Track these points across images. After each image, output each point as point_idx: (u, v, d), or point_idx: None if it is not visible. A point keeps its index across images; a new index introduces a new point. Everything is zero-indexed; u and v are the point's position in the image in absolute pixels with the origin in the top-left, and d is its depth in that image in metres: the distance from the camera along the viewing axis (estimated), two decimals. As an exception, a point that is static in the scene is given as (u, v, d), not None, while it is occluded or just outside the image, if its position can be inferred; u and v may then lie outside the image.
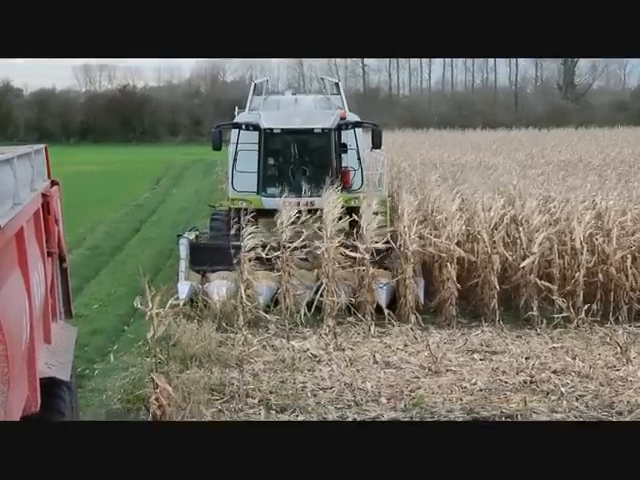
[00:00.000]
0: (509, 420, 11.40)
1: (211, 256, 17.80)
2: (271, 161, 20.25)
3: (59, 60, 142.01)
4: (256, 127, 19.54)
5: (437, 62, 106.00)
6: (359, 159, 20.37)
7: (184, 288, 16.64)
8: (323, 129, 19.41)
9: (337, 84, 22.80)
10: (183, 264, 17.53)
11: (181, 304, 14.03)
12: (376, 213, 18.40)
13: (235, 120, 20.92)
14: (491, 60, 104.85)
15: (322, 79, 26.08)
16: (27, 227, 7.28)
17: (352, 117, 20.42)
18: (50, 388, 7.42)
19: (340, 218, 18.44)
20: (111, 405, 12.11)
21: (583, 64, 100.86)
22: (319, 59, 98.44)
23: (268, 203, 19.31)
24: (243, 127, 19.88)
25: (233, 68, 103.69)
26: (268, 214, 18.81)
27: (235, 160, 20.16)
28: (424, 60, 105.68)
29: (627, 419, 11.44)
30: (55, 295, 9.68)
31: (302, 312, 16.35)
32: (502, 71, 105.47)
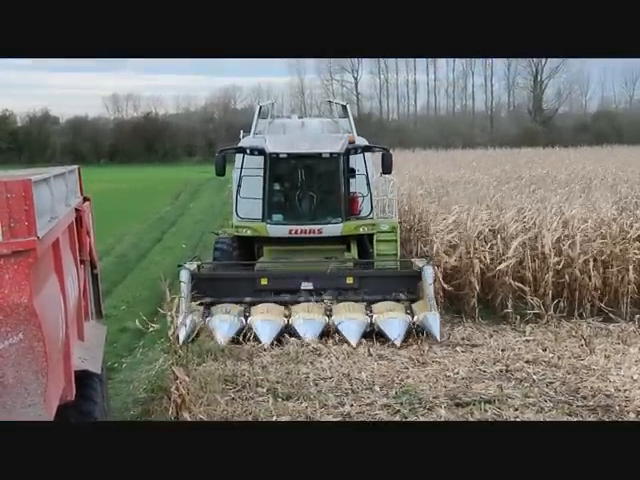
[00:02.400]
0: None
1: (214, 287, 15.22)
2: (277, 187, 17.25)
3: (90, 91, 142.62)
4: (261, 152, 16.69)
5: (422, 90, 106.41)
6: (368, 184, 17.32)
7: (185, 321, 13.31)
8: (331, 154, 16.56)
9: (345, 107, 19.67)
10: (184, 296, 14.48)
11: (180, 342, 11.83)
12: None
13: (240, 144, 17.89)
14: (469, 87, 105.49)
15: (330, 102, 22.16)
16: (62, 238, 7.28)
17: (361, 141, 17.60)
18: (83, 379, 7.42)
19: (349, 245, 17.15)
20: (137, 394, 12.11)
21: (550, 91, 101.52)
22: (319, 88, 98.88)
23: (273, 231, 16.64)
24: (248, 152, 16.95)
25: (243, 96, 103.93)
26: (273, 242, 16.99)
27: (239, 186, 17.21)
28: (410, 88, 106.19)
29: (590, 403, 11.45)
30: (87, 297, 9.69)
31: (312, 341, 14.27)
32: (479, 97, 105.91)
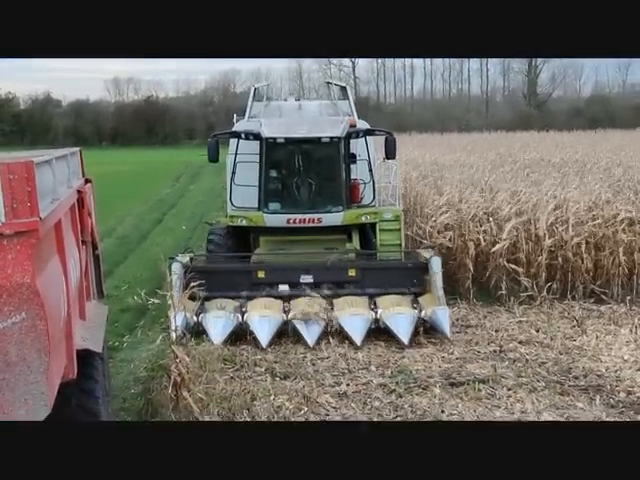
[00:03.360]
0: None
1: (207, 281, 13.22)
2: (273, 174, 15.73)
3: (92, 74, 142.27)
4: (257, 136, 15.24)
5: (418, 74, 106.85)
6: (370, 170, 15.99)
7: (177, 321, 12.02)
8: (332, 138, 15.08)
9: (344, 88, 18.10)
10: (176, 294, 12.55)
11: (173, 338, 11.22)
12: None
13: (234, 128, 16.33)
14: (465, 71, 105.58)
15: (328, 83, 19.87)
16: (64, 219, 7.27)
17: (361, 124, 16.13)
18: (85, 358, 7.43)
19: (350, 235, 15.92)
20: (138, 373, 12.13)
21: (544, 75, 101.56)
22: (317, 72, 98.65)
23: (270, 220, 15.31)
24: (242, 136, 15.48)
25: (242, 80, 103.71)
26: (270, 232, 15.66)
27: (234, 173, 15.80)
28: (407, 72, 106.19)
29: (582, 383, 11.50)
30: (89, 278, 9.69)
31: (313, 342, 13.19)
32: (474, 82, 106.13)
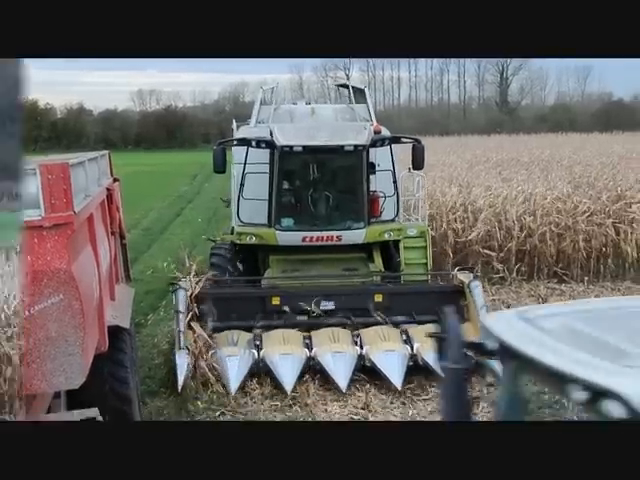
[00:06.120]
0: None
1: (216, 309, 10.76)
2: (287, 186, 12.54)
3: (119, 87, 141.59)
4: (270, 144, 11.77)
5: (404, 85, 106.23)
6: (395, 182, 12.55)
7: (182, 363, 9.81)
8: (356, 146, 11.64)
9: (362, 90, 14.43)
10: (182, 324, 10.25)
11: (179, 388, 9.64)
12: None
13: (242, 135, 12.79)
14: (445, 83, 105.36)
15: (343, 86, 15.54)
16: (95, 213, 7.31)
17: (384, 131, 12.61)
18: (115, 333, 7.48)
19: (371, 253, 12.70)
20: (160, 346, 12.16)
21: (514, 86, 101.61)
22: (315, 84, 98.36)
23: (283, 238, 12.00)
24: (253, 144, 11.93)
25: (250, 91, 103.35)
26: (282, 251, 12.35)
27: (242, 185, 12.31)
28: (394, 83, 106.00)
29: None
30: (118, 264, 9.72)
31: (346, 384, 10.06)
32: (453, 92, 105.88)
